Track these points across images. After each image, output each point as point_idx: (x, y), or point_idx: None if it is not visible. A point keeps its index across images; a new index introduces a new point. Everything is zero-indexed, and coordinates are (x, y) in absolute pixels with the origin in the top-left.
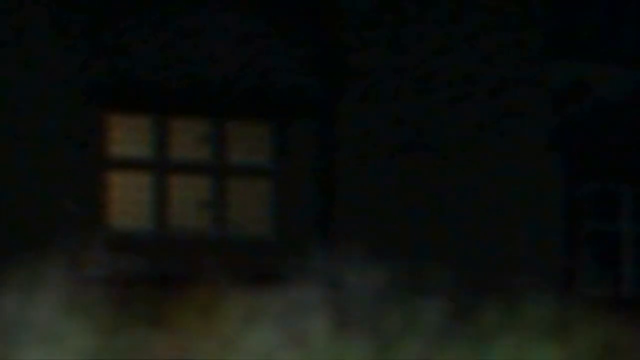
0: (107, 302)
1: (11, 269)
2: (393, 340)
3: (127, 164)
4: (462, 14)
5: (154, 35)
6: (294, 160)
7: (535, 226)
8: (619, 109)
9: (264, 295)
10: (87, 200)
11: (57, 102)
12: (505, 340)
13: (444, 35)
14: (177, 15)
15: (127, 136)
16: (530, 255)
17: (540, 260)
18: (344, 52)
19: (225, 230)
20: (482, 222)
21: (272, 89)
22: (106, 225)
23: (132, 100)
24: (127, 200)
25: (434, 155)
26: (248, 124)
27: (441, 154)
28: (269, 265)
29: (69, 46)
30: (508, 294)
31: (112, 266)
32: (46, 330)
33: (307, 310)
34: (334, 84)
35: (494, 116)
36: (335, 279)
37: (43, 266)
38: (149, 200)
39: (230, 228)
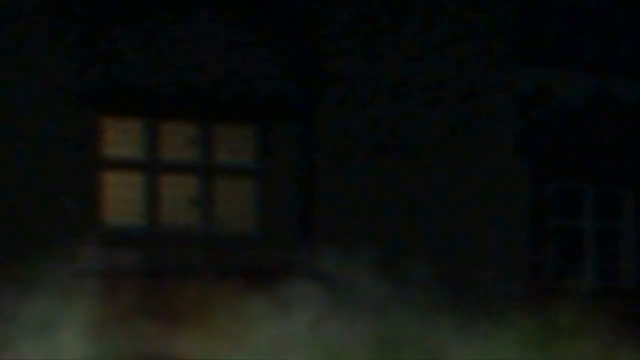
0: (101, 294)
1: (11, 264)
2: (379, 331)
3: (121, 164)
4: (434, 24)
5: (146, 43)
6: (276, 160)
7: (503, 223)
8: (581, 112)
9: (250, 288)
10: (82, 198)
11: (54, 106)
12: (479, 329)
13: (417, 44)
14: (167, 24)
15: (121, 138)
16: (499, 250)
17: (508, 254)
18: (324, 59)
19: (212, 227)
20: (454, 219)
21: (256, 94)
22: (101, 221)
23: (125, 104)
24: (120, 199)
25: (408, 156)
26: (233, 127)
27: (415, 155)
28: (253, 260)
29: (66, 53)
30: (478, 286)
31: (106, 260)
32: (43, 321)
33: (292, 301)
34: (314, 89)
35: (464, 120)
36: (317, 273)
37: (41, 260)
38: (141, 199)
39: (217, 225)
